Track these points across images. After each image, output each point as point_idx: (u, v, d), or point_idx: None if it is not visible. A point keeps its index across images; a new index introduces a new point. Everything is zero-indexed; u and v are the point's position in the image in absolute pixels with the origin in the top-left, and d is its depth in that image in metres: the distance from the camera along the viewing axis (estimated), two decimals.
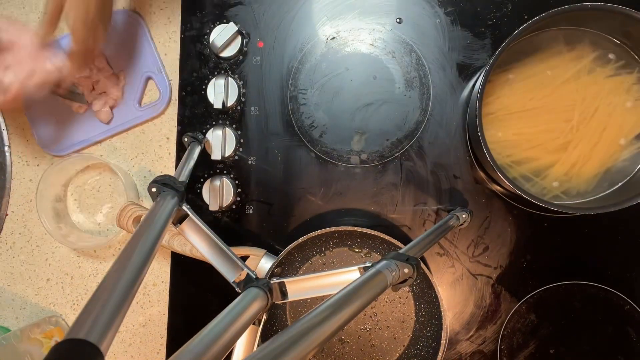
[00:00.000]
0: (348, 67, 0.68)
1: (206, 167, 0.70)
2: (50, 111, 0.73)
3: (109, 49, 0.72)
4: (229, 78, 0.68)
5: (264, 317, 0.59)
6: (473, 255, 0.67)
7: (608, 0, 0.53)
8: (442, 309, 0.60)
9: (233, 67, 0.70)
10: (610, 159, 0.60)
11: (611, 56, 0.60)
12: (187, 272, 0.71)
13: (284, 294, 0.49)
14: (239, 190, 0.70)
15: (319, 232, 0.62)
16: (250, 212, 0.70)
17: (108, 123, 0.72)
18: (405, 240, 0.66)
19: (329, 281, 0.50)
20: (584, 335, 0.66)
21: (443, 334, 0.61)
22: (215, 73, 0.70)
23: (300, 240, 0.62)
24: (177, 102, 0.71)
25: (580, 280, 0.66)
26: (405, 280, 0.43)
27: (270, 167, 0.69)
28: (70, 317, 0.75)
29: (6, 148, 0.75)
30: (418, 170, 0.68)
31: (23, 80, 0.61)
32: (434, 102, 0.67)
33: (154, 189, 0.48)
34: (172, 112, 0.71)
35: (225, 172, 0.70)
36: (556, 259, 0.66)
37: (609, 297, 0.65)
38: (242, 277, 0.49)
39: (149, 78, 0.72)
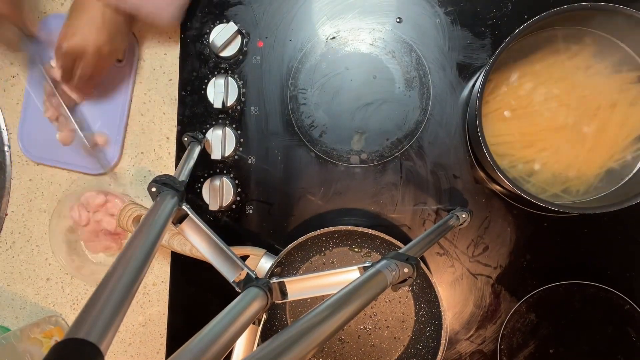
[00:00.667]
0: (348, 67, 0.68)
1: (206, 167, 0.70)
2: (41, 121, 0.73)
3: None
4: (229, 78, 0.68)
5: (264, 316, 0.59)
6: (473, 255, 0.67)
7: (608, 0, 0.53)
8: (441, 309, 0.60)
9: (233, 66, 0.70)
10: (610, 159, 0.60)
11: (611, 55, 0.60)
12: (187, 271, 0.71)
13: (283, 294, 0.49)
14: (239, 190, 0.70)
15: (318, 231, 0.62)
16: (250, 211, 0.70)
17: (67, 144, 0.72)
18: (405, 240, 0.66)
19: (328, 281, 0.50)
20: (583, 335, 0.66)
21: (443, 333, 0.61)
22: (215, 73, 0.70)
23: (300, 240, 0.62)
24: (177, 101, 0.71)
25: (580, 280, 0.66)
26: (405, 280, 0.43)
27: (270, 167, 0.69)
28: (70, 317, 0.75)
29: (6, 148, 0.75)
30: (418, 170, 0.68)
31: None
32: (433, 101, 0.67)
33: (153, 189, 0.48)
34: (172, 111, 0.71)
35: (225, 171, 0.70)
36: (556, 259, 0.66)
37: (609, 297, 0.65)
38: (242, 276, 0.49)
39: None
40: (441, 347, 0.61)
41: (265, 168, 0.69)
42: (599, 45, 0.60)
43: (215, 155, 0.68)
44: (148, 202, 0.72)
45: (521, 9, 0.66)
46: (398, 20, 0.68)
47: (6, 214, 0.75)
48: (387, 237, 0.62)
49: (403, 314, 0.67)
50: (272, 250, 0.67)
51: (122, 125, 0.72)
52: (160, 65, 0.72)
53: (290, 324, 0.50)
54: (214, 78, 0.68)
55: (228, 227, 0.70)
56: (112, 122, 0.72)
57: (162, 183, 0.48)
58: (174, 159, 0.72)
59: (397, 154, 0.68)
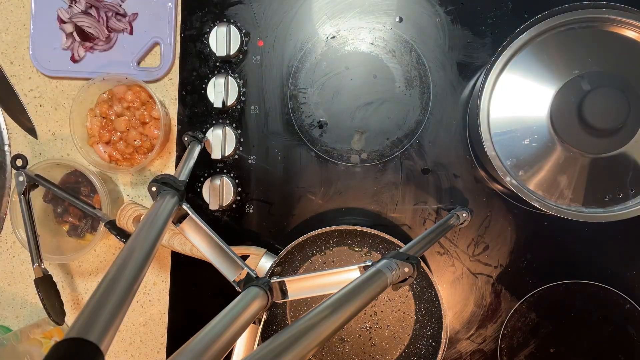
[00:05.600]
0: (348, 66, 0.68)
1: (206, 166, 0.70)
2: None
3: None
4: (229, 77, 0.68)
5: (264, 316, 0.58)
6: (473, 254, 0.67)
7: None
8: (442, 308, 0.60)
9: (233, 66, 0.70)
10: None
11: None
12: (188, 271, 0.71)
13: (284, 293, 0.49)
14: (239, 189, 0.70)
15: (319, 231, 0.62)
16: (251, 211, 0.70)
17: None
18: (406, 239, 0.66)
19: (329, 280, 0.50)
20: (584, 334, 0.66)
21: (443, 333, 0.61)
22: (215, 72, 0.70)
23: (300, 239, 0.62)
24: (177, 101, 0.71)
25: (581, 279, 0.66)
26: (405, 279, 0.43)
27: (270, 166, 0.69)
28: (70, 317, 0.75)
29: (6, 147, 0.75)
30: (418, 169, 0.68)
31: None
32: (434, 101, 0.67)
33: (154, 188, 0.48)
34: (172, 111, 0.71)
35: (225, 171, 0.70)
36: (556, 258, 0.66)
37: (609, 296, 0.65)
38: (242, 276, 0.49)
39: (156, 43, 0.71)
40: (441, 347, 0.61)
41: (266, 167, 0.69)
42: None
43: (216, 154, 0.68)
44: (148, 202, 0.72)
45: (522, 8, 0.66)
46: (398, 19, 0.68)
47: (6, 214, 0.75)
48: (388, 237, 0.62)
49: (403, 313, 0.67)
50: (272, 249, 0.67)
51: (172, 26, 0.70)
52: None
53: (291, 323, 0.50)
54: (214, 77, 0.68)
55: (228, 227, 0.70)
56: (161, 25, 0.70)
57: (162, 182, 0.48)
58: (174, 158, 0.72)
59: (397, 153, 0.68)
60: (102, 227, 0.67)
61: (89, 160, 0.69)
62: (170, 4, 0.70)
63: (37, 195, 0.71)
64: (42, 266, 0.66)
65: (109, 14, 0.70)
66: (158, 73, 0.71)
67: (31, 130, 0.73)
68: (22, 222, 0.67)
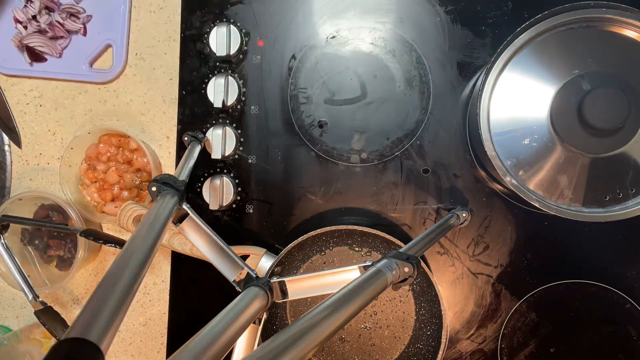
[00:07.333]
0: (348, 66, 0.68)
1: (206, 166, 0.70)
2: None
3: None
4: (229, 77, 0.68)
5: (264, 316, 0.59)
6: (473, 254, 0.67)
7: None
8: (442, 308, 0.60)
9: (233, 66, 0.70)
10: None
11: None
12: (188, 271, 0.71)
13: (284, 293, 0.49)
14: (239, 189, 0.70)
15: (319, 231, 0.62)
16: (251, 211, 0.70)
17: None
18: (406, 239, 0.66)
19: (329, 280, 0.50)
20: (584, 334, 0.66)
21: (443, 332, 0.61)
22: (215, 72, 0.70)
23: (300, 239, 0.62)
24: (177, 101, 0.71)
25: (581, 279, 0.66)
26: (405, 279, 0.43)
27: (270, 166, 0.69)
28: (71, 317, 0.75)
29: (6, 147, 0.75)
30: (418, 169, 0.68)
31: None
32: (434, 101, 0.67)
33: (154, 188, 0.48)
34: (172, 111, 0.71)
35: (225, 171, 0.70)
36: (556, 258, 0.66)
37: (610, 296, 0.65)
38: (243, 276, 0.49)
39: (109, 45, 0.72)
40: (442, 346, 0.61)
41: (266, 167, 0.69)
42: None
43: (216, 154, 0.68)
44: None
45: (522, 8, 0.66)
46: (399, 19, 0.68)
47: None
48: (388, 237, 0.62)
49: (403, 313, 0.67)
50: (272, 249, 0.67)
51: (125, 29, 0.71)
52: (160, 64, 0.72)
53: (291, 323, 0.50)
54: (214, 77, 0.68)
55: (228, 227, 0.70)
56: (114, 27, 0.71)
57: (162, 182, 0.48)
58: (174, 158, 0.72)
59: (397, 153, 0.68)
60: (80, 242, 0.67)
61: (105, 221, 0.71)
62: (123, 6, 0.71)
63: (15, 241, 0.72)
64: (39, 300, 0.65)
65: (64, 16, 0.70)
66: (110, 75, 0.71)
67: (15, 139, 0.73)
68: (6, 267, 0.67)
